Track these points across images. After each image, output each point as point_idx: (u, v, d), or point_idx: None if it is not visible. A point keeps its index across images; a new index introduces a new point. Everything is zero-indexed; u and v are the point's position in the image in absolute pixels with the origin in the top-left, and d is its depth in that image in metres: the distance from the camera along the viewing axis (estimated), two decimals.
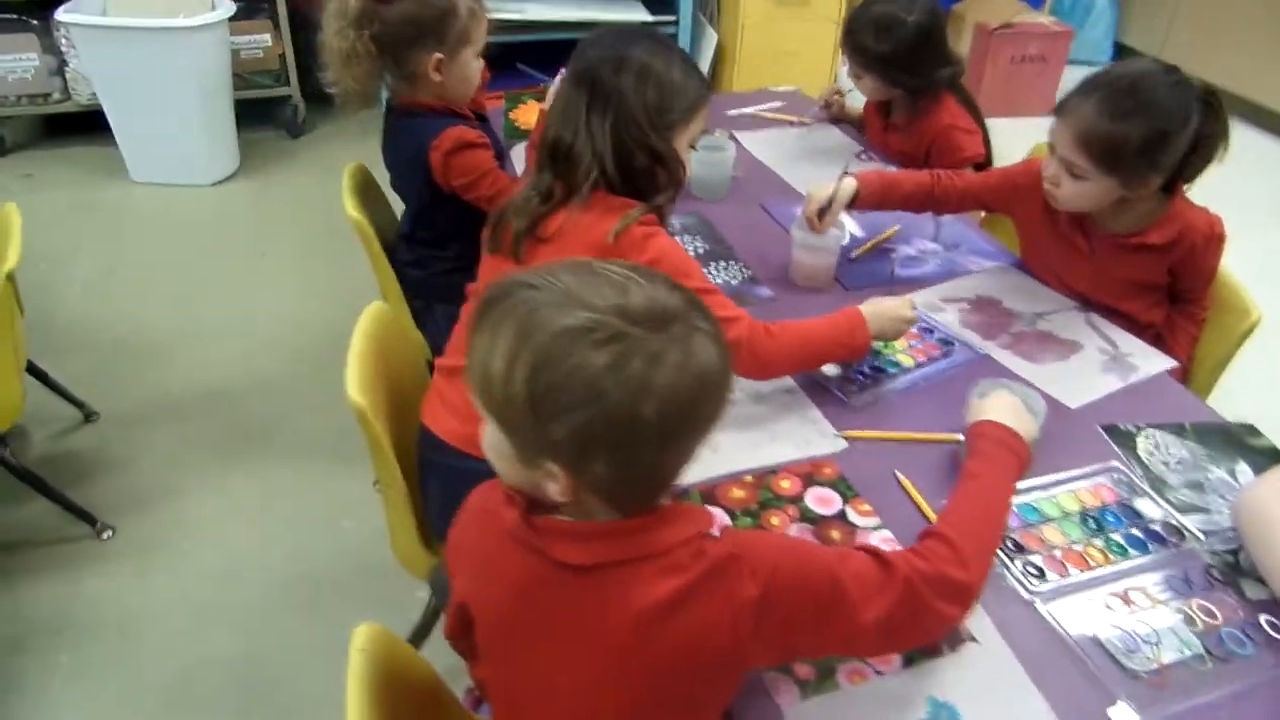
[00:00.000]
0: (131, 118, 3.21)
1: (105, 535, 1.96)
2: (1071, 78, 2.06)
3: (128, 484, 2.09)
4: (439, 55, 1.71)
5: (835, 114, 2.36)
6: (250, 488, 2.11)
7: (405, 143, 1.80)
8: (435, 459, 1.36)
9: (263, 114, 3.66)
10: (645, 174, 1.27)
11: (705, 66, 3.84)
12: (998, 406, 1.08)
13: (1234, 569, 1.07)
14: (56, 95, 3.45)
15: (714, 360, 0.76)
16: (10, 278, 1.68)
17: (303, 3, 3.54)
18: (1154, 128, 1.33)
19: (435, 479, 1.38)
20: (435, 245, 1.89)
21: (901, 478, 1.18)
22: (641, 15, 3.71)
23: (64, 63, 3.42)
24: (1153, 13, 4.47)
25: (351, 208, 1.80)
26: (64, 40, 3.35)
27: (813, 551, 0.88)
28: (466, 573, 0.94)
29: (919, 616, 0.86)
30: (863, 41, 1.97)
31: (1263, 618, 1.02)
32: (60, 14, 3.06)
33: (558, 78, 1.49)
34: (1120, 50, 4.63)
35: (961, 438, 1.11)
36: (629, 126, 1.25)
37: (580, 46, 1.31)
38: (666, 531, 0.79)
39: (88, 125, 3.41)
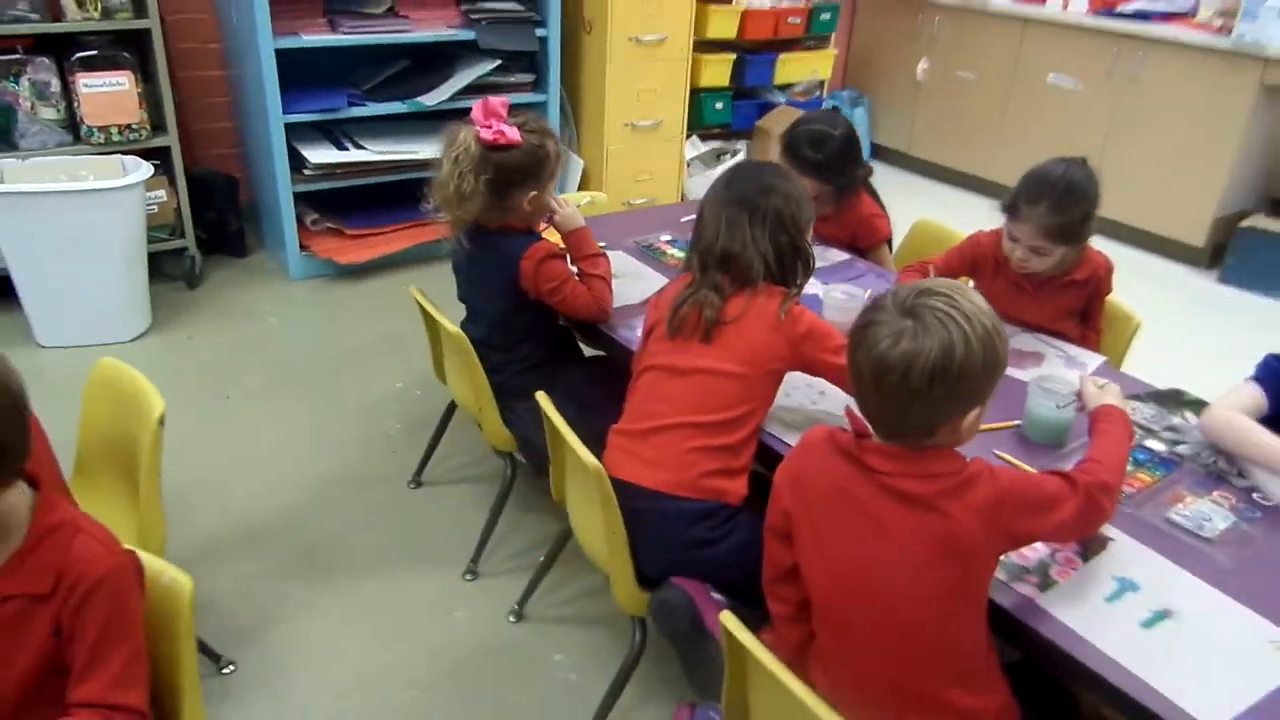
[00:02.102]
0: (43, 281, 3.15)
1: (228, 669, 2.01)
2: None
3: (224, 620, 2.14)
4: (534, 191, 2.08)
5: None
6: (345, 603, 2.22)
7: (495, 256, 2.13)
8: (645, 506, 1.68)
9: (155, 267, 3.67)
10: (792, 266, 1.73)
11: (575, 187, 4.35)
12: (1110, 392, 1.61)
13: (1219, 472, 1.67)
14: None
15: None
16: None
17: (191, 163, 3.65)
18: (1088, 207, 1.98)
19: (648, 524, 1.69)
20: (508, 349, 2.20)
21: (1003, 455, 1.68)
22: None
23: None
24: (896, 119, 5.58)
25: (448, 324, 2.10)
26: None
27: (1028, 473, 1.36)
28: (795, 491, 1.37)
29: (1091, 511, 1.34)
30: (802, 152, 2.53)
31: (1254, 495, 1.61)
32: None
33: None
34: (875, 149, 5.69)
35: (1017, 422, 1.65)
36: (780, 233, 1.71)
37: (727, 179, 1.77)
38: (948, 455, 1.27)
39: None
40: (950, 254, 2.31)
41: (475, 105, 2.09)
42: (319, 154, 3.72)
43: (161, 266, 3.70)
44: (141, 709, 1.13)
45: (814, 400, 1.89)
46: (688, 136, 4.64)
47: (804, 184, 2.66)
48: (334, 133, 3.89)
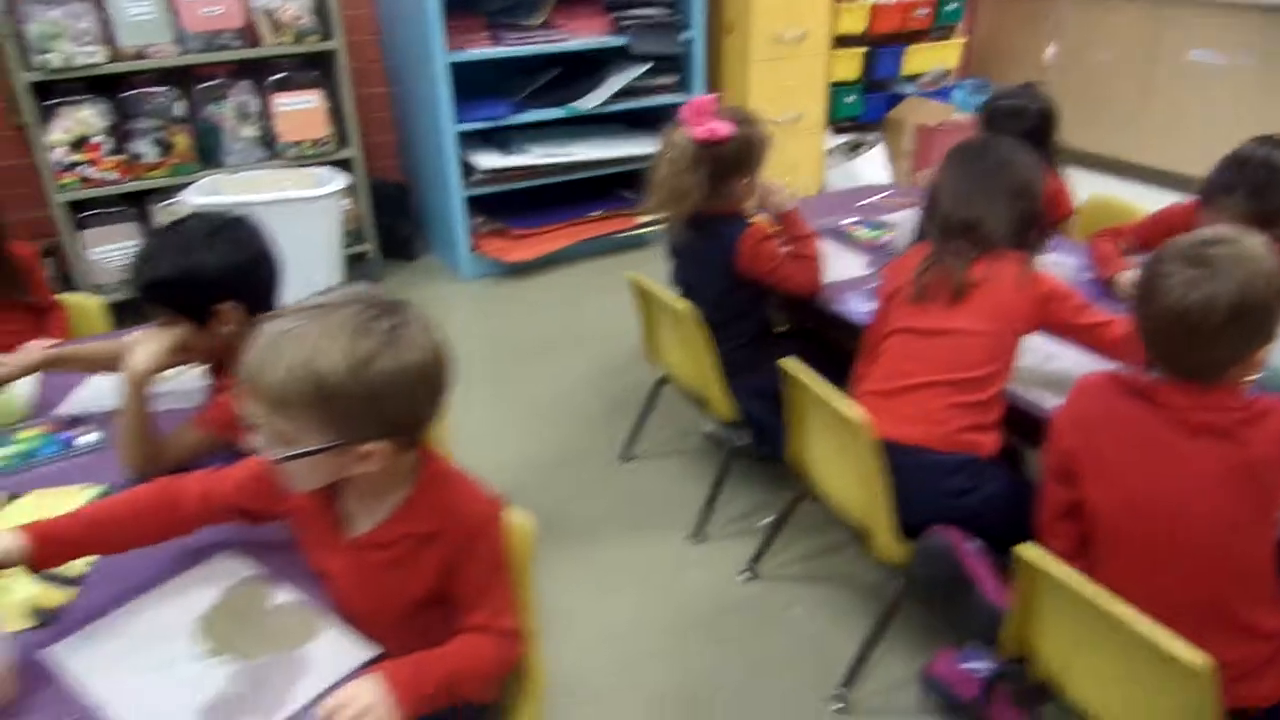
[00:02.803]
0: None
1: None
2: None
3: None
4: (747, 178, 2.23)
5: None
6: (581, 568, 2.37)
7: (714, 241, 2.28)
8: (905, 461, 1.80)
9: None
10: (1029, 231, 1.84)
11: None
12: None
13: None
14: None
15: None
16: None
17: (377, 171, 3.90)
18: None
19: (908, 477, 1.81)
20: (725, 327, 2.34)
21: None
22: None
23: None
24: None
25: (678, 303, 2.25)
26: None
27: None
28: (1078, 432, 1.50)
29: None
30: (1001, 125, 2.62)
31: None
32: (191, 194, 3.29)
33: None
34: None
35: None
36: (1019, 200, 1.82)
37: (961, 155, 1.88)
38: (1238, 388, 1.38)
39: None
40: (1144, 223, 2.37)
41: (684, 106, 2.25)
42: (487, 159, 3.94)
43: (346, 270, 3.95)
44: (520, 632, 1.30)
45: (1044, 361, 1.98)
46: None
47: None
48: (496, 140, 4.11)
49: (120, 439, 1.56)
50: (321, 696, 1.13)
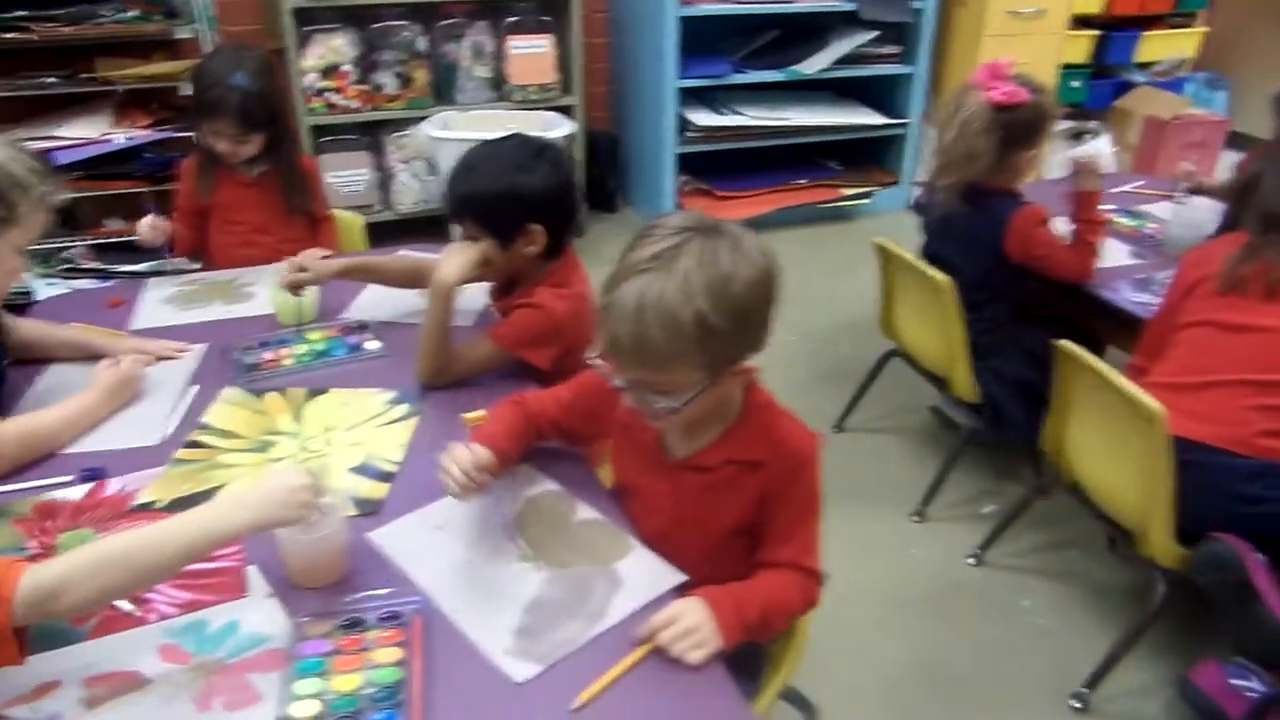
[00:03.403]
0: None
1: None
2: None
3: None
4: (1033, 151, 2.12)
5: (1193, 188, 2.83)
6: None
7: (986, 216, 2.18)
8: (1193, 459, 1.69)
9: None
10: None
11: None
12: None
13: None
14: (377, 206, 3.75)
15: None
16: None
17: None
18: None
19: (1194, 477, 1.70)
20: (978, 309, 2.25)
21: None
22: (874, 119, 4.20)
23: (389, 177, 3.74)
24: (1265, 106, 5.15)
25: (938, 274, 2.17)
26: (394, 157, 3.69)
27: None
28: None
29: None
30: None
31: None
32: (426, 128, 3.41)
33: None
34: (1234, 137, 5.29)
35: None
36: None
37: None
38: None
39: (401, 232, 3.70)
40: None
41: (980, 69, 2.16)
42: (702, 118, 3.92)
43: None
44: (821, 574, 1.28)
45: None
46: None
47: None
48: (706, 99, 4.08)
49: (420, 347, 1.62)
50: (639, 614, 1.14)
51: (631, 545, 1.27)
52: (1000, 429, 2.28)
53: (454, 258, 1.58)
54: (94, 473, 1.43)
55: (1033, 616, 2.09)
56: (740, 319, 1.11)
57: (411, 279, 1.87)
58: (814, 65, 3.97)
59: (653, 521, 1.29)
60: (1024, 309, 2.36)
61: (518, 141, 1.61)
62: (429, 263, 1.89)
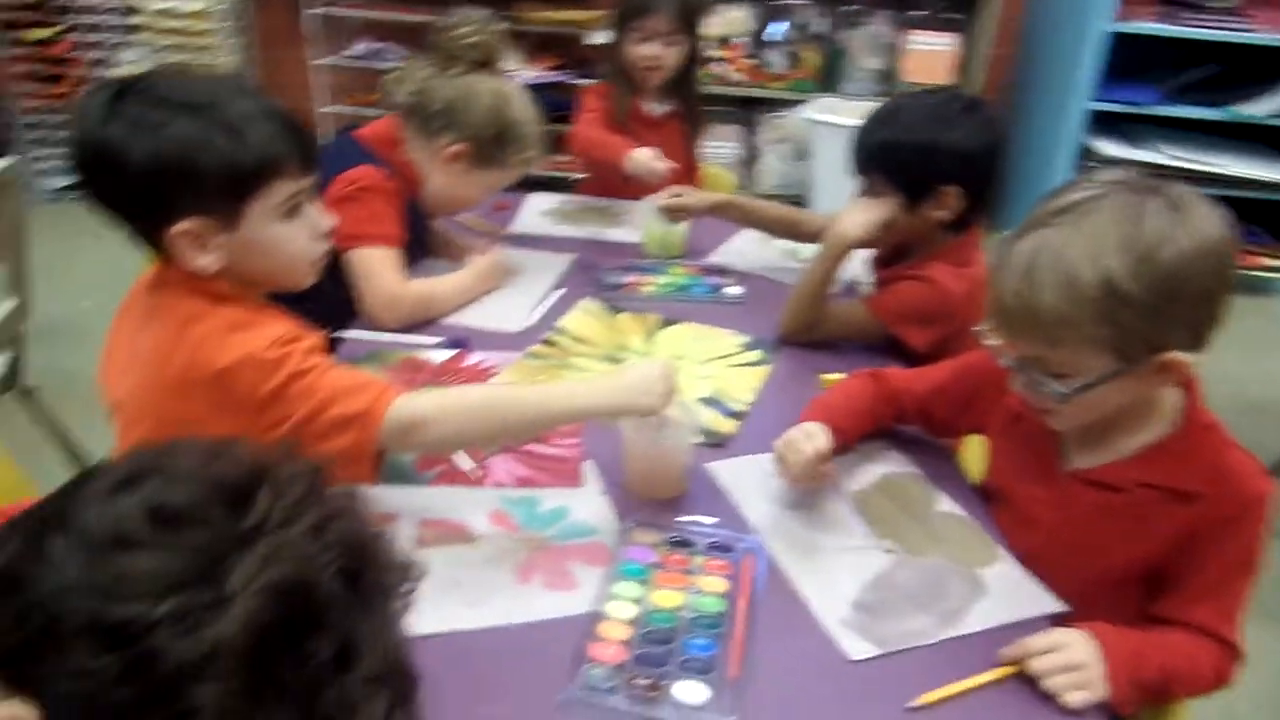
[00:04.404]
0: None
1: None
2: None
3: None
4: None
5: None
6: None
7: None
8: None
9: None
10: None
11: None
12: None
13: None
14: (738, 183, 3.74)
15: None
16: None
17: None
18: None
19: None
20: None
21: None
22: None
23: (755, 156, 3.72)
24: None
25: None
26: (764, 137, 3.67)
27: None
28: None
29: None
30: None
31: None
32: (805, 111, 3.34)
33: None
34: None
35: None
36: None
37: None
38: None
39: None
40: None
41: None
42: (1111, 148, 3.51)
43: None
44: (1240, 651, 1.00)
45: None
46: None
47: None
48: (1123, 129, 3.64)
49: (792, 298, 1.52)
50: (1003, 631, 0.96)
51: (1000, 554, 1.08)
52: None
53: (857, 213, 1.46)
54: (459, 342, 1.47)
55: None
56: (1166, 293, 0.88)
57: (788, 228, 1.78)
58: (1261, 108, 3.42)
59: (1027, 536, 1.09)
60: None
61: (948, 94, 1.45)
62: (807, 215, 1.80)
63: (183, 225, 0.95)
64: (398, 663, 0.56)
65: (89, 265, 2.94)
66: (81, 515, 0.52)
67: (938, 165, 1.39)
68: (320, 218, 1.07)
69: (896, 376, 1.27)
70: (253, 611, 0.49)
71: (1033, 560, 1.06)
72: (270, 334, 0.99)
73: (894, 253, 1.57)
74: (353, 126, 1.66)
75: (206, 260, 0.98)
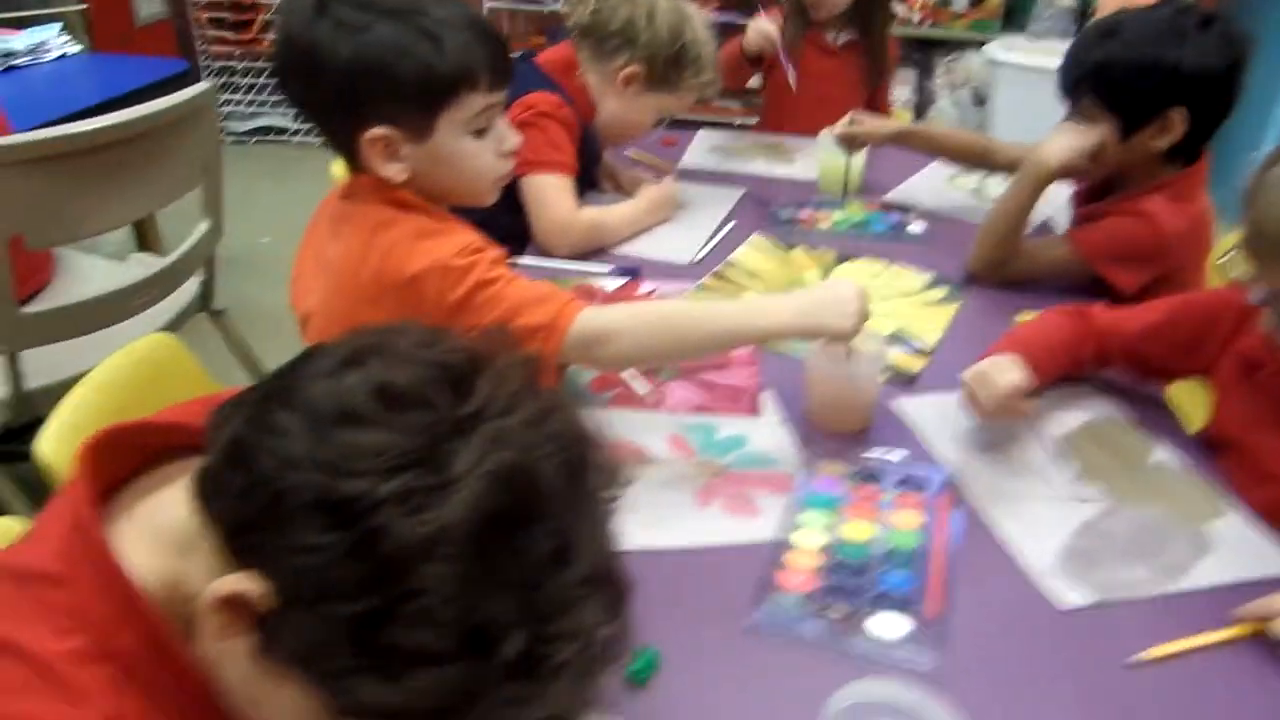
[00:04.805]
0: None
1: None
2: None
3: None
4: None
5: None
6: None
7: None
8: None
9: None
10: None
11: None
12: None
13: None
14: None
15: None
16: None
17: None
18: None
19: None
20: None
21: None
22: None
23: (929, 101, 3.54)
24: None
25: None
26: (940, 80, 3.47)
27: None
28: None
29: None
30: None
31: None
32: (988, 51, 3.14)
33: None
34: None
35: None
36: None
37: None
38: None
39: None
40: None
41: None
42: None
43: None
44: None
45: None
46: None
47: None
48: None
49: (984, 232, 1.42)
50: (1232, 590, 0.86)
51: (1226, 509, 0.97)
52: None
53: (1063, 139, 1.34)
54: (630, 271, 1.45)
55: None
56: None
57: (978, 157, 1.66)
58: None
59: (1264, 491, 0.98)
60: None
61: (1178, 6, 1.30)
62: (1000, 143, 1.67)
63: (375, 132, 0.95)
64: (611, 570, 0.54)
65: (268, 205, 3.10)
66: (308, 391, 0.51)
67: (1162, 86, 1.25)
68: (508, 135, 1.05)
69: (1103, 314, 1.16)
70: (478, 495, 0.47)
71: (1272, 516, 0.95)
72: (458, 242, 0.98)
73: (1101, 186, 1.43)
74: (532, 51, 1.64)
75: (395, 169, 0.98)
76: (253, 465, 0.50)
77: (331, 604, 0.47)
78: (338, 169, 1.16)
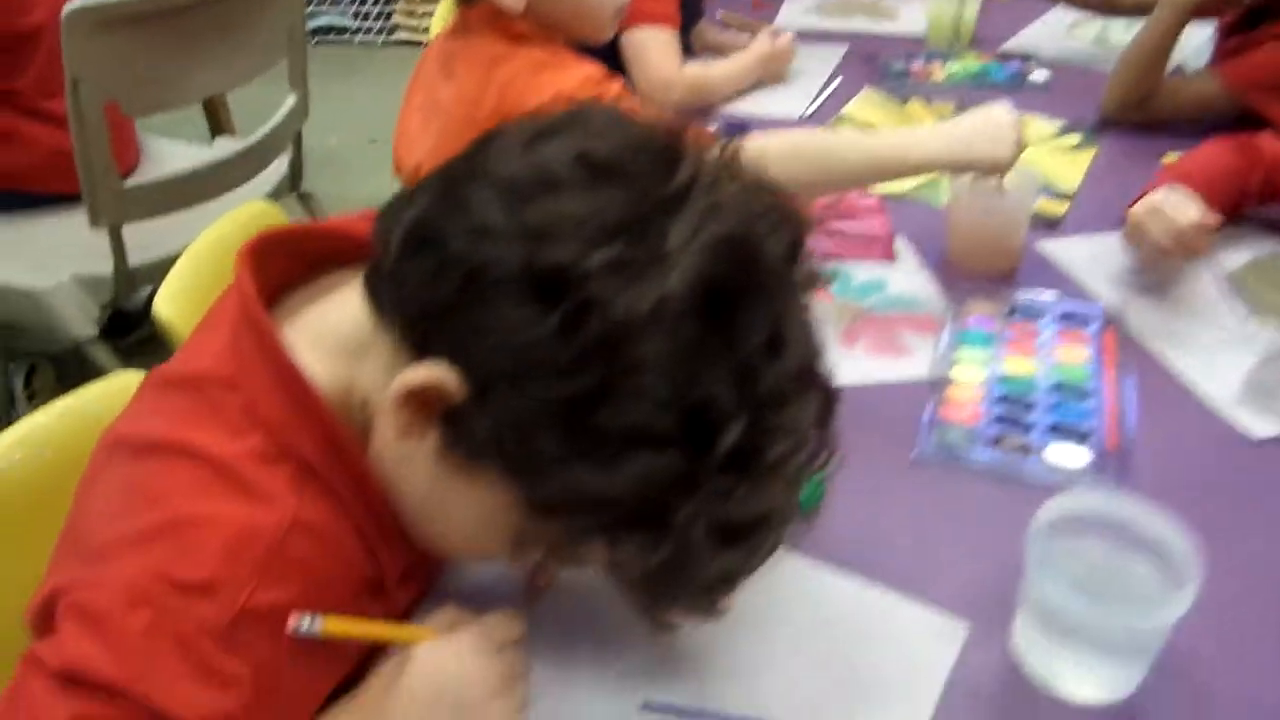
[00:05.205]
0: None
1: None
2: None
3: None
4: None
5: None
6: None
7: None
8: None
9: None
10: None
11: None
12: None
13: None
14: None
15: None
16: None
17: None
18: None
19: None
20: None
21: None
22: None
23: None
24: None
25: None
26: None
27: None
28: None
29: None
30: None
31: None
32: None
33: None
34: None
35: None
36: None
37: None
38: None
39: None
40: None
41: None
42: None
43: None
44: None
45: None
46: None
47: None
48: None
49: (1121, 66, 1.31)
50: None
51: None
52: None
53: None
54: (739, 126, 1.38)
55: None
56: None
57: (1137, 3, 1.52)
58: None
59: None
60: None
61: None
62: None
63: None
64: (819, 372, 0.49)
65: (336, 106, 3.04)
66: (499, 166, 0.47)
67: None
68: None
69: (1273, 144, 1.06)
70: (699, 266, 0.43)
71: None
72: (580, 73, 0.92)
73: (1249, 16, 1.30)
74: None
75: None
76: (441, 245, 0.46)
77: (539, 385, 0.44)
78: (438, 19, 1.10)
